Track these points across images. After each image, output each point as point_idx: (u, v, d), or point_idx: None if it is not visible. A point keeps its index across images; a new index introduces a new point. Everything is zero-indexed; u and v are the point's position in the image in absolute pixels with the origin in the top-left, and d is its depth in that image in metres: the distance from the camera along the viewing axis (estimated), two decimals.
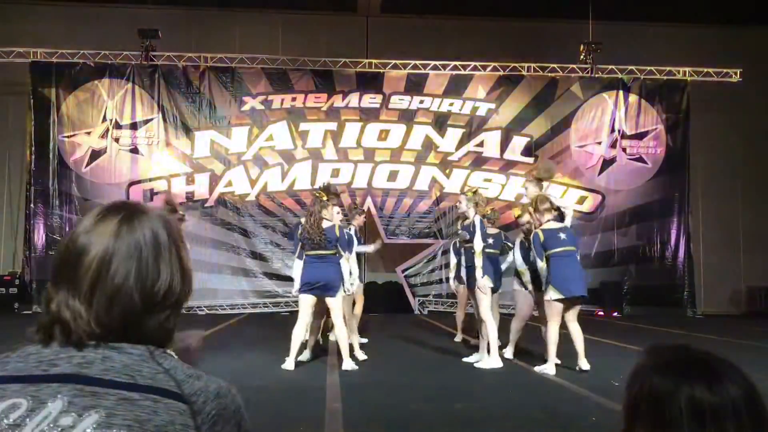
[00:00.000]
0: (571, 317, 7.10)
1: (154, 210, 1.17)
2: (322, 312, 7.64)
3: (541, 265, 7.12)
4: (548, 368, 7.01)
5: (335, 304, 7.24)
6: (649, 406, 1.04)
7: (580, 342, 7.05)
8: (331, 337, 9.22)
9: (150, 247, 1.09)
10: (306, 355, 7.76)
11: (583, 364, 7.02)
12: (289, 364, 7.13)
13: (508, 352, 8.05)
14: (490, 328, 7.34)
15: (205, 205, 15.26)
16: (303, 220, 7.37)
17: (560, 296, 6.96)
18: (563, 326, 7.09)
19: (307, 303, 7.28)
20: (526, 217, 7.79)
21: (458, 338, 9.85)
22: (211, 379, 1.08)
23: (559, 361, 7.24)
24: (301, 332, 7.31)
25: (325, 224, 7.16)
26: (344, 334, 7.26)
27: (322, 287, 7.19)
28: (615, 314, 15.09)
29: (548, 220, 7.23)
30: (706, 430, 0.99)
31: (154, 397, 1.00)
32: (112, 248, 1.07)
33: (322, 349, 8.57)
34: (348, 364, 7.13)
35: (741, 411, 1.01)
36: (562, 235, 7.18)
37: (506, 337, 8.23)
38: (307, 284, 7.21)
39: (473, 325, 8.66)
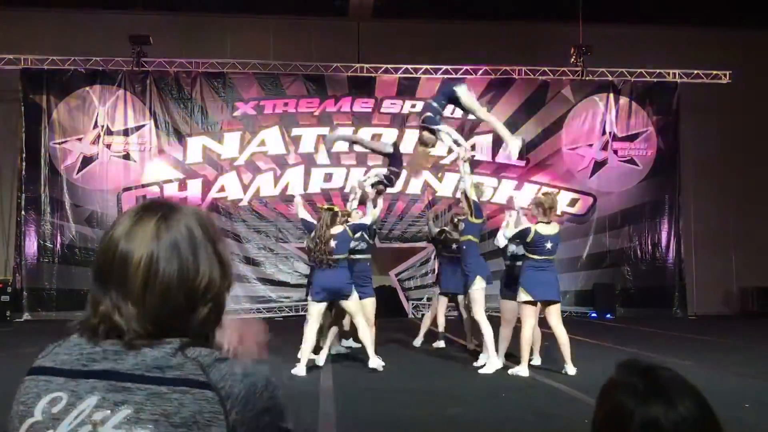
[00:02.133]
0: (555, 321, 7.15)
1: (187, 207, 1.21)
2: (340, 315, 7.67)
3: (503, 242, 7.34)
4: (521, 370, 7.05)
5: (353, 306, 7.31)
6: (611, 422, 1.12)
7: (566, 347, 7.09)
8: (344, 343, 9.28)
9: (187, 243, 1.13)
10: (321, 360, 7.76)
11: (569, 369, 7.05)
12: (299, 369, 7.13)
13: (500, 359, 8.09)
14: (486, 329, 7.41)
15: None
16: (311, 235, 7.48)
17: (530, 298, 7.05)
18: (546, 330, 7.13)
19: (317, 309, 7.31)
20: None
21: (418, 342, 9.75)
22: (236, 361, 1.11)
23: (534, 362, 7.33)
24: (312, 337, 7.32)
25: (334, 230, 7.24)
26: (368, 334, 7.30)
27: (334, 292, 7.24)
28: (607, 316, 15.13)
29: (541, 222, 7.27)
30: None
31: (182, 389, 1.04)
32: (156, 251, 1.11)
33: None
34: (374, 362, 7.16)
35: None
36: (549, 245, 7.23)
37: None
38: (319, 290, 7.23)
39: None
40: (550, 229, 7.32)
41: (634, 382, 1.13)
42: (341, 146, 15.59)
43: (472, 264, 7.58)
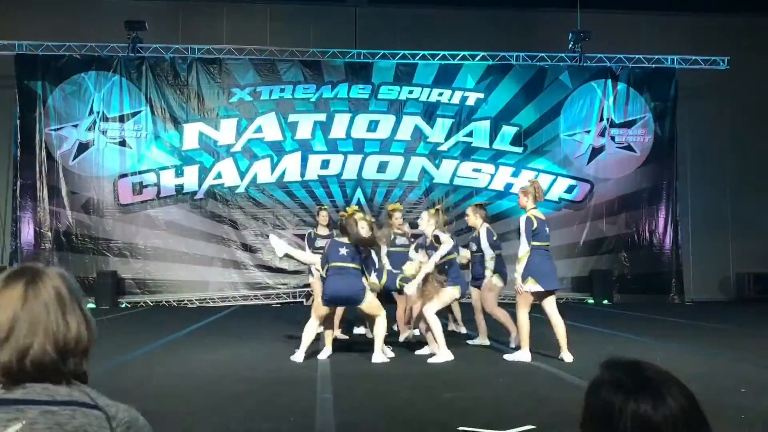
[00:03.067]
0: (551, 310, 7.16)
1: (52, 270, 1.32)
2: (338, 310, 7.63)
3: (526, 250, 7.05)
4: (522, 356, 7.08)
5: (367, 309, 7.26)
6: (599, 420, 1.13)
7: (562, 334, 7.09)
8: (356, 330, 9.25)
9: (56, 304, 1.25)
10: (328, 351, 7.75)
11: (566, 356, 7.06)
12: (298, 356, 7.14)
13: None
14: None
15: (195, 197, 15.21)
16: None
17: (540, 289, 7.02)
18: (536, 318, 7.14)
19: (324, 308, 7.33)
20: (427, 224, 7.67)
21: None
22: (118, 403, 1.27)
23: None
24: (313, 327, 7.33)
25: (345, 239, 7.20)
26: (382, 328, 7.26)
27: (345, 300, 7.23)
28: (605, 302, 15.17)
29: (533, 208, 7.26)
30: None
31: (73, 407, 1.18)
32: (19, 313, 1.22)
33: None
34: (377, 357, 7.15)
35: (680, 427, 1.09)
36: (548, 230, 7.26)
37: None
38: (330, 298, 7.18)
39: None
40: (542, 215, 7.32)
41: (621, 378, 1.14)
42: (339, 133, 15.57)
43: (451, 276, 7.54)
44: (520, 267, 7.05)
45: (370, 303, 7.29)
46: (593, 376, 1.20)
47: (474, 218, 8.35)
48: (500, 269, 8.16)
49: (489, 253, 8.05)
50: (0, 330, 1.21)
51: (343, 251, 7.16)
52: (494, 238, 8.21)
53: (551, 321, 7.15)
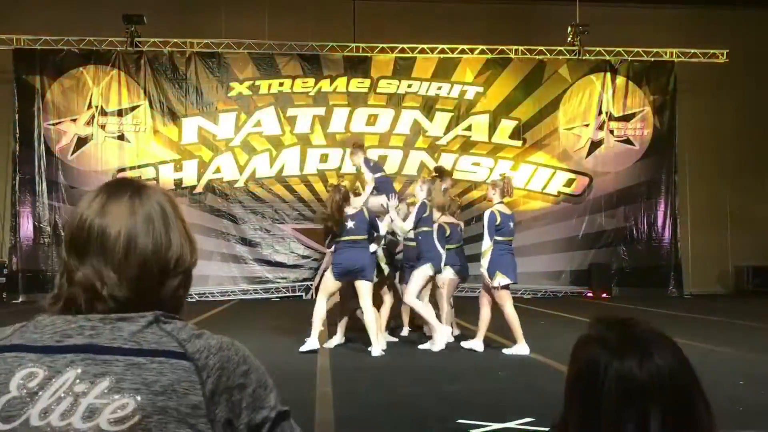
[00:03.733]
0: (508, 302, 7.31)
1: (154, 185, 1.25)
2: (351, 295, 7.61)
3: (488, 245, 7.16)
4: (520, 349, 7.17)
5: (365, 288, 7.27)
6: (584, 378, 1.09)
7: (516, 327, 7.23)
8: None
9: (160, 218, 1.18)
10: (337, 339, 7.81)
11: (522, 349, 7.15)
12: (311, 343, 7.19)
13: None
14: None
15: (194, 191, 15.20)
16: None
17: (508, 281, 7.17)
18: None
19: (334, 284, 7.35)
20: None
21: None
22: (213, 336, 1.15)
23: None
24: (322, 310, 7.39)
25: (350, 210, 7.26)
26: (374, 319, 7.29)
27: (356, 271, 7.23)
28: (604, 295, 15.20)
29: (499, 202, 7.33)
30: (632, 408, 1.03)
31: (160, 359, 1.07)
32: (134, 225, 1.15)
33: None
34: (376, 350, 7.15)
35: (666, 388, 1.04)
36: (512, 224, 7.34)
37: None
38: (339, 268, 7.25)
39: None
40: (508, 209, 7.40)
41: (607, 336, 1.10)
42: (338, 127, 15.56)
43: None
44: (484, 261, 7.15)
45: (371, 285, 7.41)
46: (581, 334, 1.16)
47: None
48: (457, 262, 8.12)
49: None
50: (117, 244, 1.13)
51: None
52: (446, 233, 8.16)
53: (505, 312, 7.27)
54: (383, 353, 7.15)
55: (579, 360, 1.12)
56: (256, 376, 1.14)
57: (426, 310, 7.49)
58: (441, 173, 8.94)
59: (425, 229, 7.61)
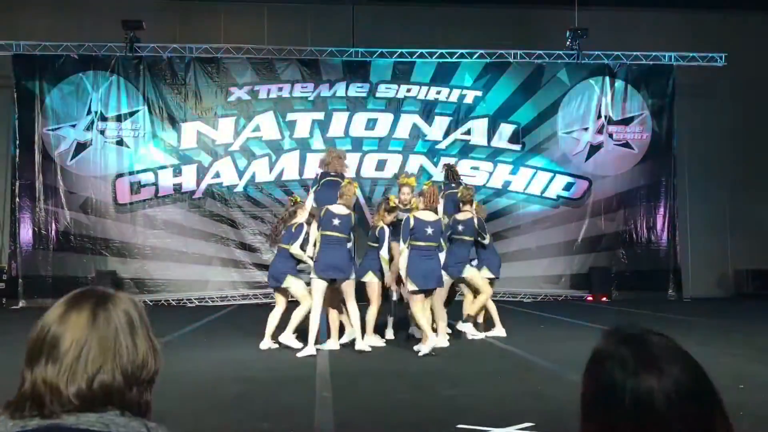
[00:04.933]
0: (437, 304, 7.62)
1: (122, 294, 1.27)
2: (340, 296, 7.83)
3: (401, 248, 7.40)
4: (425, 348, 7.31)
5: (348, 288, 7.55)
6: (601, 401, 1.05)
7: (441, 327, 7.60)
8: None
9: (126, 328, 1.19)
10: (345, 338, 8.00)
11: (437, 344, 7.39)
12: (309, 350, 7.33)
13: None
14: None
15: (193, 196, 15.21)
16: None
17: (414, 288, 7.32)
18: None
19: (321, 286, 7.54)
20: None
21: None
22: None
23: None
24: (316, 317, 7.57)
25: (338, 210, 7.55)
26: (358, 317, 7.61)
27: (339, 270, 7.48)
28: (603, 299, 15.19)
29: (423, 209, 7.51)
30: (650, 422, 1.01)
31: None
32: (91, 335, 1.15)
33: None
34: (360, 344, 7.52)
35: (685, 407, 1.02)
36: (429, 230, 7.38)
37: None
38: (324, 267, 7.46)
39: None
40: (429, 215, 7.50)
41: (623, 353, 1.06)
42: (337, 131, 15.56)
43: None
44: (402, 264, 7.43)
45: (353, 284, 7.75)
46: (596, 346, 1.13)
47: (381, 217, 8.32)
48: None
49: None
50: (68, 353, 1.13)
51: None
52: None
53: (434, 312, 7.56)
54: (371, 348, 7.53)
55: (594, 378, 1.09)
56: None
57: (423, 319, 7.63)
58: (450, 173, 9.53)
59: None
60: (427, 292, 7.44)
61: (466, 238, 8.22)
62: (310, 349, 7.29)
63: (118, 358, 1.15)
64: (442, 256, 7.67)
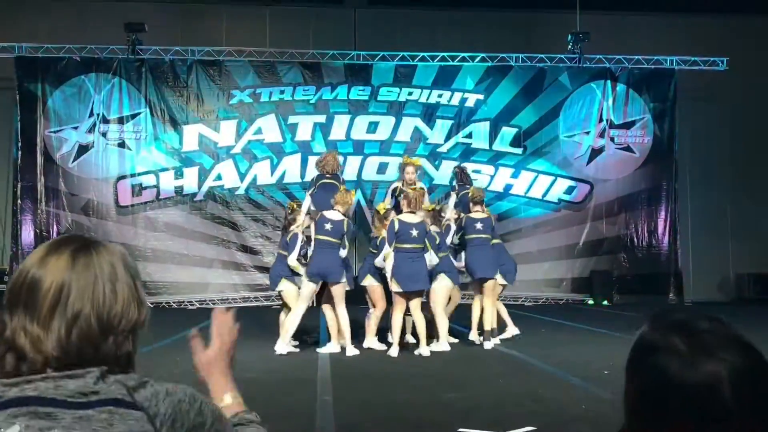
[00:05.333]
0: (414, 306, 7.56)
1: (112, 244, 1.21)
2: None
3: (386, 252, 7.52)
4: (392, 350, 7.54)
5: (337, 291, 7.70)
6: (652, 395, 0.94)
7: (422, 331, 7.53)
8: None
9: (106, 275, 1.13)
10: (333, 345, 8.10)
11: (424, 350, 7.45)
12: (279, 347, 7.68)
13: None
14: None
15: (195, 199, 15.21)
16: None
17: (399, 289, 7.44)
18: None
19: (310, 289, 7.75)
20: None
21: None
22: (158, 383, 1.14)
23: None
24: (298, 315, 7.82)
25: (333, 216, 7.70)
26: (347, 322, 7.74)
27: (325, 274, 7.63)
28: (605, 303, 15.18)
29: (408, 212, 7.64)
30: (713, 417, 0.90)
31: (109, 408, 1.04)
32: (69, 280, 1.10)
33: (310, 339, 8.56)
34: (330, 347, 7.74)
35: (749, 398, 0.91)
36: (414, 232, 7.46)
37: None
38: (314, 271, 7.64)
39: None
40: (413, 218, 7.61)
41: (675, 343, 0.95)
42: (338, 134, 15.58)
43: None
44: (387, 267, 7.55)
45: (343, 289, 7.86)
46: (638, 334, 1.01)
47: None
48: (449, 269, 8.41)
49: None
50: (47, 296, 1.08)
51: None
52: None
53: (413, 316, 7.59)
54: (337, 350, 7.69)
55: (643, 371, 0.97)
56: (210, 410, 1.14)
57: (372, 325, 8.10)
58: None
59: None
60: (412, 295, 7.47)
61: (484, 236, 8.27)
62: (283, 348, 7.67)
63: (96, 305, 1.10)
64: (428, 257, 7.69)
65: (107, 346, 1.11)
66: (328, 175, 8.39)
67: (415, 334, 8.09)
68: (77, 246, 1.15)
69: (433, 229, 8.21)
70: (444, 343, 7.84)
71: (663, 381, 0.93)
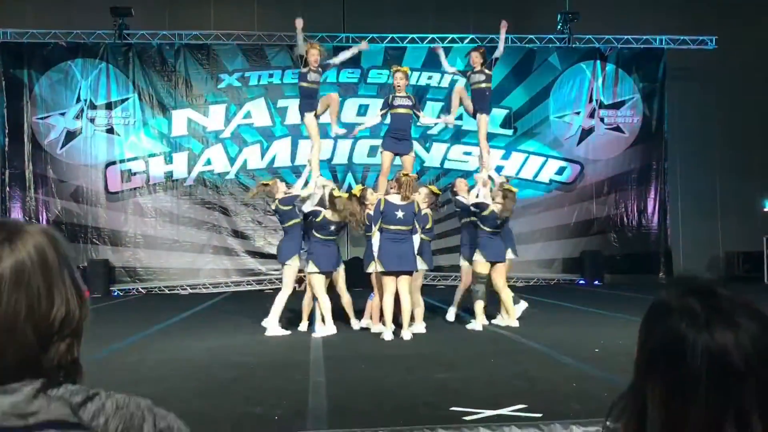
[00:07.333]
0: (401, 289, 7.49)
1: (34, 225, 1.02)
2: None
3: (373, 230, 7.60)
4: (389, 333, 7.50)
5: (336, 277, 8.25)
6: (666, 358, 0.93)
7: (407, 313, 7.49)
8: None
9: (38, 270, 0.96)
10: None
11: (406, 334, 7.43)
12: (319, 329, 7.89)
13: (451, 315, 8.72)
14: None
15: (185, 184, 15.15)
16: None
17: (382, 269, 7.48)
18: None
19: (320, 281, 7.93)
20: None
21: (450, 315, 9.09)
22: (108, 395, 0.99)
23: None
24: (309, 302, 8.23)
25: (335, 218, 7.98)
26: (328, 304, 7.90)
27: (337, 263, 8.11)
28: (595, 282, 15.27)
29: (393, 193, 7.77)
30: (727, 391, 0.89)
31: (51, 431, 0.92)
32: None
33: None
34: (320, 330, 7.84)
35: (762, 361, 0.90)
36: (400, 213, 7.52)
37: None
38: (324, 261, 7.95)
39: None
40: (400, 199, 7.65)
41: (691, 305, 0.94)
42: (328, 117, 15.47)
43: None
44: (373, 248, 7.64)
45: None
46: (655, 298, 0.99)
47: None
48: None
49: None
50: None
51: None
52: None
53: (401, 299, 7.49)
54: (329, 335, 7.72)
55: (657, 332, 0.95)
56: (167, 424, 1.01)
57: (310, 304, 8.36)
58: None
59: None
60: (399, 276, 7.49)
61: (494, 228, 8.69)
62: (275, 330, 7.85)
63: (32, 312, 0.93)
64: (416, 238, 7.70)
65: (49, 355, 0.96)
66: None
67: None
68: (2, 237, 0.97)
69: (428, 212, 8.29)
70: (420, 324, 7.96)
71: (676, 341, 0.92)
